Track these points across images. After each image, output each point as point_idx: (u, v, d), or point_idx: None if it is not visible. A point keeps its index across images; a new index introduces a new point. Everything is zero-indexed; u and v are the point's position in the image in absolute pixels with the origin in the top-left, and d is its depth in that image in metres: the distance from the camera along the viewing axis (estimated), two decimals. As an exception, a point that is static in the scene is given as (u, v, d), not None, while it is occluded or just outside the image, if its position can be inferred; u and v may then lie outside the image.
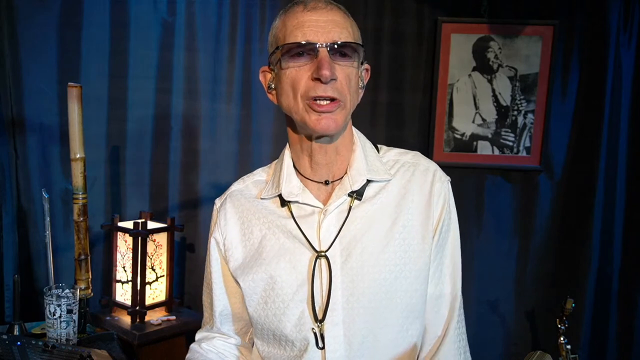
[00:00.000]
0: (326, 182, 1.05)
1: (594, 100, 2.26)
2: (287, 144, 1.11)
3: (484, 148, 2.31)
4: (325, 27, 0.95)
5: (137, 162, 2.31)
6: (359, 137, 1.10)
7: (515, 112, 2.29)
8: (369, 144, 1.11)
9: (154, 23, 2.25)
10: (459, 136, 2.31)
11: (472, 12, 2.25)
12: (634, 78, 2.24)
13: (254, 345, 1.14)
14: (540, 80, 2.25)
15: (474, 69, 2.28)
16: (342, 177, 1.06)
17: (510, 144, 2.30)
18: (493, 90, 2.28)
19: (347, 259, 1.00)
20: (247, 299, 1.07)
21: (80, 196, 1.68)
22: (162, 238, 2.09)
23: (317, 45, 0.94)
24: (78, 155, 1.66)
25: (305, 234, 1.02)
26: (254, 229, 1.08)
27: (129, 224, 2.03)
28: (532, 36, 2.24)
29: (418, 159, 1.11)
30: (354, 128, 1.10)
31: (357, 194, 1.03)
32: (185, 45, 2.27)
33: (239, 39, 2.27)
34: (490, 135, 2.31)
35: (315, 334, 0.99)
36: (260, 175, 1.16)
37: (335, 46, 0.95)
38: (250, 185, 1.14)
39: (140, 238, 1.97)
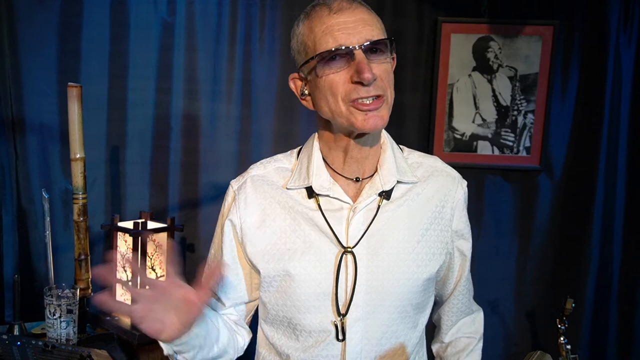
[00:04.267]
0: (357, 179, 1.06)
1: (594, 100, 2.26)
2: (315, 135, 1.10)
3: (484, 148, 2.31)
4: (355, 27, 0.95)
5: (137, 162, 2.30)
6: (387, 137, 1.11)
7: (515, 112, 2.29)
8: (395, 145, 1.12)
9: (154, 23, 2.25)
10: (459, 136, 2.31)
11: (472, 12, 2.25)
12: (634, 78, 2.24)
13: (261, 330, 1.15)
14: (540, 80, 2.25)
15: (474, 69, 2.28)
16: (371, 175, 1.06)
17: (510, 144, 2.30)
18: (493, 90, 2.28)
19: (374, 257, 1.03)
20: (264, 285, 1.08)
21: (80, 196, 1.68)
22: (162, 238, 2.09)
23: (352, 48, 0.93)
24: (78, 155, 1.66)
25: (333, 228, 1.03)
26: (277, 217, 1.07)
27: (129, 224, 2.03)
28: (532, 36, 2.24)
29: (440, 163, 1.15)
30: None
31: (386, 194, 1.05)
32: (185, 45, 2.27)
33: (239, 39, 2.27)
34: (490, 135, 2.31)
35: (336, 326, 1.02)
36: (282, 162, 1.14)
37: (370, 45, 0.94)
38: (272, 172, 1.12)
39: (140, 238, 1.97)
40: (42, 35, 2.13)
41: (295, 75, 1.05)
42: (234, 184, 1.13)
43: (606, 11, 2.21)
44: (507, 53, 2.26)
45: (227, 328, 1.11)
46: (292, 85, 1.06)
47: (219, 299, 1.15)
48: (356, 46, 0.93)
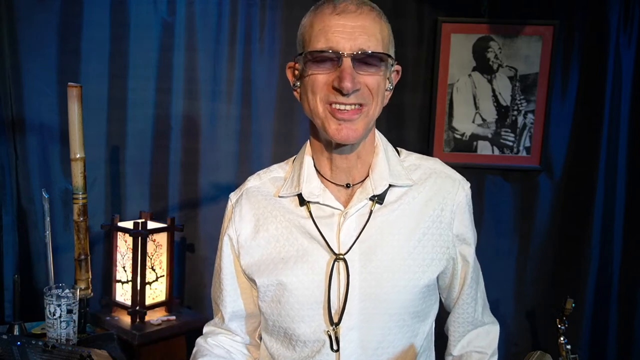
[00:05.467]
0: (347, 186, 1.04)
1: (594, 100, 2.26)
2: (308, 142, 1.10)
3: (484, 148, 2.31)
4: (353, 33, 0.92)
5: (137, 162, 2.31)
6: (381, 140, 1.08)
7: (515, 112, 2.29)
8: (390, 147, 1.09)
9: (154, 23, 2.25)
10: (459, 136, 2.31)
11: (472, 12, 2.25)
12: (634, 78, 2.24)
13: (262, 340, 1.13)
14: (540, 80, 2.25)
15: (474, 69, 2.28)
16: (363, 181, 1.04)
17: (510, 144, 2.30)
18: (493, 90, 2.28)
19: (366, 263, 1.00)
20: (261, 295, 1.06)
21: (80, 196, 1.68)
22: (162, 238, 2.09)
23: (341, 54, 0.91)
24: (78, 155, 1.66)
25: (324, 235, 1.01)
26: (270, 227, 1.06)
27: (129, 224, 2.03)
28: (532, 36, 2.24)
29: (440, 165, 1.10)
30: (376, 130, 1.08)
31: (379, 198, 1.02)
32: (185, 45, 2.27)
33: (239, 39, 2.27)
34: (490, 135, 2.31)
35: (330, 336, 0.99)
36: (278, 171, 1.13)
37: (361, 56, 0.92)
38: (267, 182, 1.11)
39: (140, 238, 1.97)
40: (42, 35, 2.13)
41: (292, 64, 1.03)
42: (232, 197, 1.13)
43: (606, 11, 2.21)
44: (507, 53, 2.26)
45: None
46: (288, 73, 1.05)
47: (220, 314, 1.15)
48: (345, 53, 0.91)
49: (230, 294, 1.13)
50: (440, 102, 2.29)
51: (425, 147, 2.31)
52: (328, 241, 1.01)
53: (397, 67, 1.04)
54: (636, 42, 2.22)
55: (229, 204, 1.13)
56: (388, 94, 1.03)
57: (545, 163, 2.30)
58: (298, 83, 1.02)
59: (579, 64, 2.26)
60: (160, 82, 2.28)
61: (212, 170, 2.32)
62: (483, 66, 2.27)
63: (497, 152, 2.31)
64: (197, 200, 2.34)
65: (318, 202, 1.03)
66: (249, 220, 1.08)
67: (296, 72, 1.02)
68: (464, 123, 2.30)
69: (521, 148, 2.30)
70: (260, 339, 1.16)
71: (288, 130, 2.30)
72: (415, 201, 1.04)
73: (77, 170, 1.67)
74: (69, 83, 1.65)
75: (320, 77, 0.94)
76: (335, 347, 0.99)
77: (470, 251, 1.10)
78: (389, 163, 1.05)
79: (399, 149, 1.13)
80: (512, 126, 2.29)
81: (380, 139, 1.08)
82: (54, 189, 2.17)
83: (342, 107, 0.93)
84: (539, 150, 2.29)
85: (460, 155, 2.31)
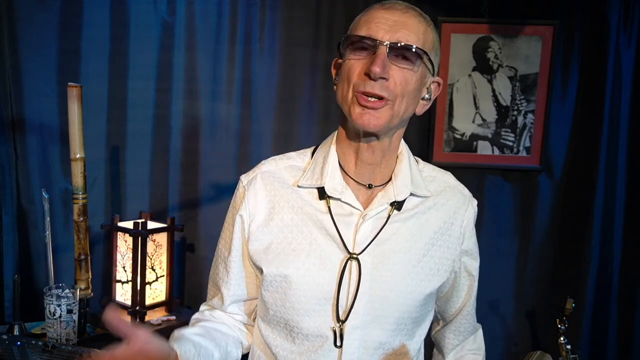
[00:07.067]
0: (369, 186, 1.05)
1: (593, 100, 2.26)
2: (334, 136, 1.10)
3: (484, 148, 2.31)
4: (394, 26, 0.95)
5: (137, 162, 2.30)
6: (405, 149, 1.10)
7: (515, 112, 2.29)
8: (412, 157, 1.11)
9: (154, 23, 2.25)
10: (459, 136, 2.31)
11: (472, 12, 2.25)
12: (634, 78, 2.24)
13: (257, 327, 1.13)
14: (540, 80, 2.25)
15: (474, 69, 2.28)
16: (384, 184, 1.06)
17: (510, 144, 2.30)
18: (493, 90, 2.28)
19: (378, 266, 1.02)
20: (265, 283, 1.06)
21: (80, 196, 1.68)
22: (162, 238, 2.09)
23: (377, 42, 0.93)
24: (78, 155, 1.66)
25: (341, 233, 1.02)
26: (285, 216, 1.05)
27: (129, 224, 2.03)
28: (532, 36, 2.24)
29: (454, 180, 1.15)
30: (402, 139, 1.09)
31: (398, 205, 1.04)
32: (185, 45, 2.27)
33: (239, 39, 2.27)
34: (490, 135, 2.31)
35: (335, 332, 1.00)
36: (296, 160, 1.12)
37: (397, 47, 0.94)
38: (283, 170, 1.10)
39: (140, 238, 1.97)
40: (42, 35, 2.13)
41: (338, 60, 1.05)
42: (244, 178, 1.12)
43: (606, 11, 2.21)
44: (507, 53, 2.26)
45: (219, 345, 1.10)
46: (333, 69, 1.06)
47: (221, 296, 1.15)
48: (383, 42, 0.93)
49: (237, 278, 1.13)
50: (440, 102, 2.29)
51: (425, 147, 2.31)
52: (344, 239, 1.02)
53: (438, 79, 1.05)
54: (636, 42, 2.22)
55: (240, 185, 1.12)
56: (424, 104, 1.04)
57: (545, 163, 2.30)
58: (338, 77, 1.03)
59: (579, 64, 2.26)
60: (160, 82, 2.28)
61: (212, 170, 2.32)
62: (483, 66, 2.27)
63: (497, 152, 2.31)
64: (197, 200, 2.34)
65: (340, 200, 1.04)
66: (264, 206, 1.07)
67: (336, 67, 1.05)
68: (464, 123, 2.30)
69: (521, 148, 2.30)
70: (255, 319, 1.17)
71: (288, 130, 2.30)
72: (429, 211, 1.08)
73: (77, 170, 1.67)
74: (69, 83, 1.65)
75: (356, 65, 0.96)
76: (339, 344, 1.00)
77: (476, 265, 1.15)
78: (411, 172, 1.07)
79: (416, 157, 1.15)
80: (512, 126, 2.29)
81: (404, 146, 1.10)
82: (54, 189, 2.17)
83: (370, 98, 0.94)
84: (539, 150, 2.29)
85: (460, 155, 2.31)
